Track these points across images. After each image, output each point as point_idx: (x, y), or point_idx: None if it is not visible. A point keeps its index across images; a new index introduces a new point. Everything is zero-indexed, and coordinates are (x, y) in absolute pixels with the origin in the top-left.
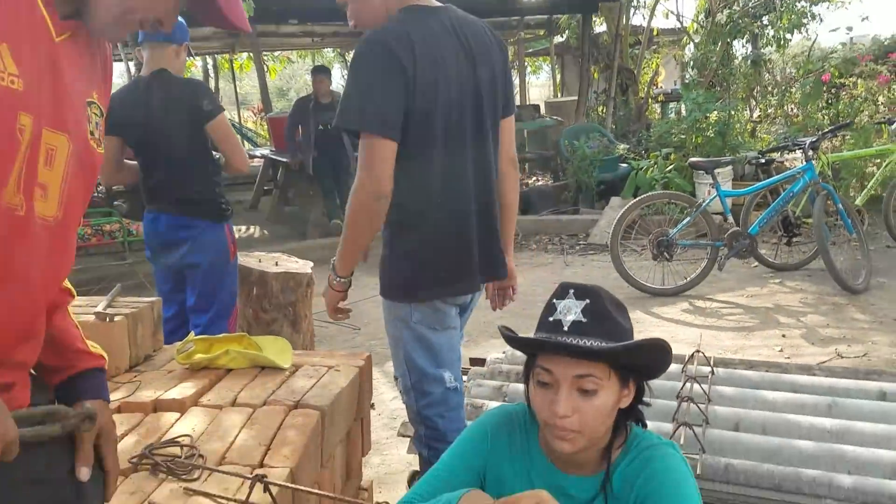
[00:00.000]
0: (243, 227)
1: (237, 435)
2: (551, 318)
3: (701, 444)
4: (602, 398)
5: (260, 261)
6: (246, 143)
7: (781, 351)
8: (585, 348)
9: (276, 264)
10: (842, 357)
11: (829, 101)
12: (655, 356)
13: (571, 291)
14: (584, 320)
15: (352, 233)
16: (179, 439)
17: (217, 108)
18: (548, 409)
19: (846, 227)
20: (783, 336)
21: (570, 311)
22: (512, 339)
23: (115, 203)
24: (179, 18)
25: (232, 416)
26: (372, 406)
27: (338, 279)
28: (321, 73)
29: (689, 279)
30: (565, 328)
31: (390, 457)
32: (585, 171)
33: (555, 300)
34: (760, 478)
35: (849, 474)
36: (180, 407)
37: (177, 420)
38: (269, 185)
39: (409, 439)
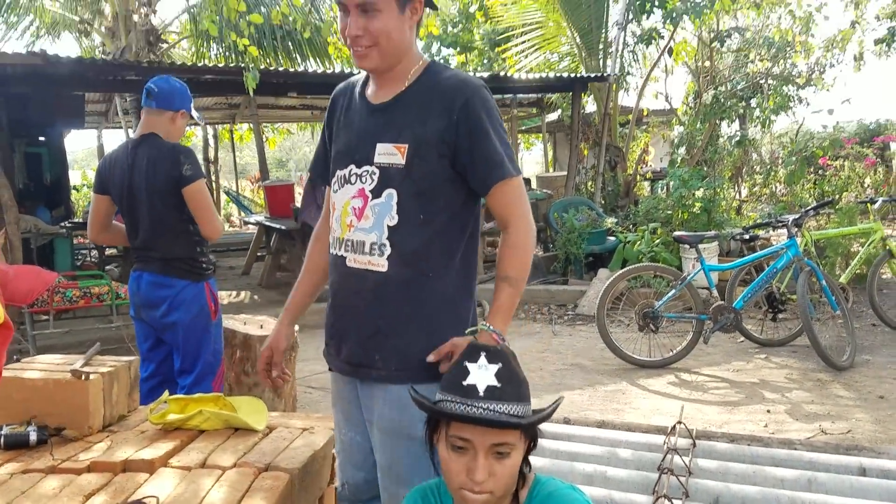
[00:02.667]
0: (234, 292)
1: (204, 497)
2: (465, 384)
3: None
4: (514, 459)
5: (245, 323)
6: (242, 210)
7: (766, 426)
8: (509, 422)
9: (261, 327)
10: (826, 433)
11: (815, 182)
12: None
13: (483, 355)
14: (498, 385)
15: (526, 279)
16: (146, 500)
17: (196, 175)
18: (464, 476)
19: (830, 304)
20: (768, 411)
21: (485, 375)
22: (429, 408)
23: (108, 267)
24: (181, 84)
25: (201, 478)
26: None
27: (501, 342)
28: None
29: (674, 352)
30: (481, 393)
31: None
32: (574, 243)
33: (466, 363)
34: None
35: None
36: (150, 468)
37: (145, 481)
38: (262, 252)
39: None
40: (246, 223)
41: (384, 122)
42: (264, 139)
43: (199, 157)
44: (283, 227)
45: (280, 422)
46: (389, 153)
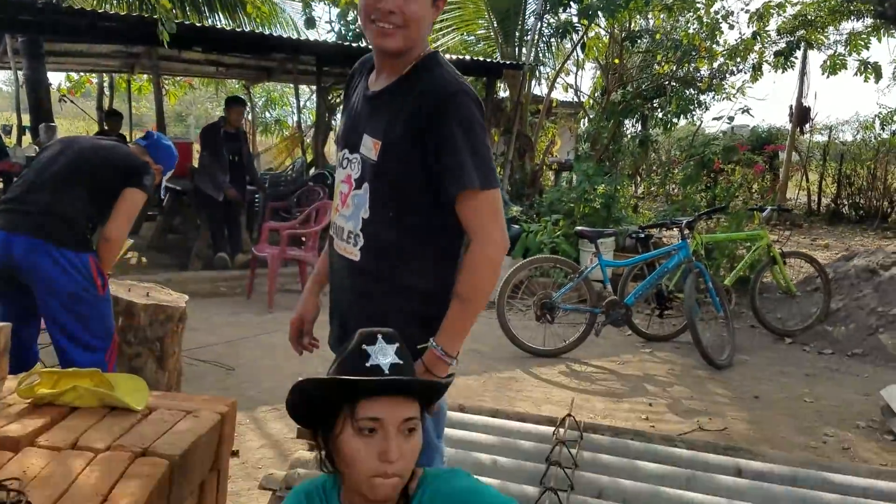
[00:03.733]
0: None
1: (73, 482)
2: (369, 365)
3: None
4: (418, 437)
5: (130, 290)
6: None
7: (647, 419)
8: (427, 382)
9: (147, 295)
10: (703, 429)
11: (708, 185)
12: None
13: (380, 337)
14: (400, 362)
15: (483, 298)
16: (7, 482)
17: (147, 189)
18: (375, 460)
19: (714, 305)
20: (650, 405)
21: (386, 355)
22: (339, 384)
23: None
24: (171, 146)
25: (70, 460)
26: (235, 454)
27: (452, 361)
28: (240, 104)
29: (568, 342)
30: (386, 371)
31: None
32: None
33: (365, 346)
34: None
35: None
36: (14, 446)
37: (9, 460)
38: (153, 211)
39: (270, 492)
40: None
41: (371, 111)
42: (164, 92)
43: (93, 105)
44: (177, 188)
45: (162, 402)
46: (367, 147)
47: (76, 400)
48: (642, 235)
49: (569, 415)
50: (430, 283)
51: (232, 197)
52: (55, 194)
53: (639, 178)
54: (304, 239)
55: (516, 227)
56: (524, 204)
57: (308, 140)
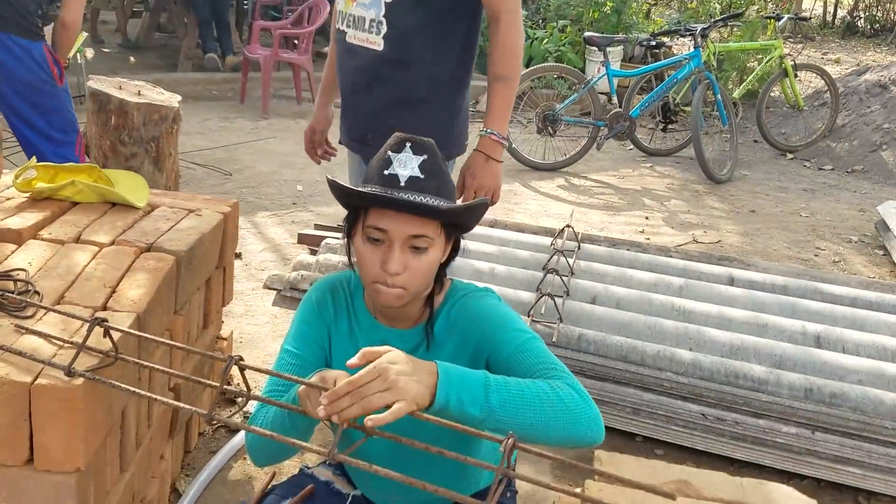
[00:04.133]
0: (106, 49)
1: (79, 274)
2: (387, 172)
3: (559, 314)
4: (431, 255)
5: (120, 87)
6: None
7: (643, 232)
8: (429, 206)
9: (139, 94)
10: (697, 242)
11: None
12: (479, 215)
13: (409, 145)
14: (421, 176)
15: (518, 77)
16: (13, 273)
17: None
18: (378, 267)
19: (721, 117)
20: (646, 218)
21: (407, 165)
22: (346, 191)
23: None
24: None
25: (75, 254)
26: (238, 255)
27: (506, 143)
28: None
29: (568, 156)
30: (402, 183)
31: (255, 308)
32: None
33: (390, 153)
34: (609, 348)
35: (689, 351)
36: (16, 238)
37: (12, 252)
38: (138, 6)
39: (274, 292)
40: None
41: None
42: None
43: None
44: None
45: (163, 200)
46: None
47: (76, 195)
48: (653, 44)
49: (568, 225)
50: (445, 74)
51: None
52: None
53: None
54: (296, 41)
55: None
56: (529, 8)
57: None
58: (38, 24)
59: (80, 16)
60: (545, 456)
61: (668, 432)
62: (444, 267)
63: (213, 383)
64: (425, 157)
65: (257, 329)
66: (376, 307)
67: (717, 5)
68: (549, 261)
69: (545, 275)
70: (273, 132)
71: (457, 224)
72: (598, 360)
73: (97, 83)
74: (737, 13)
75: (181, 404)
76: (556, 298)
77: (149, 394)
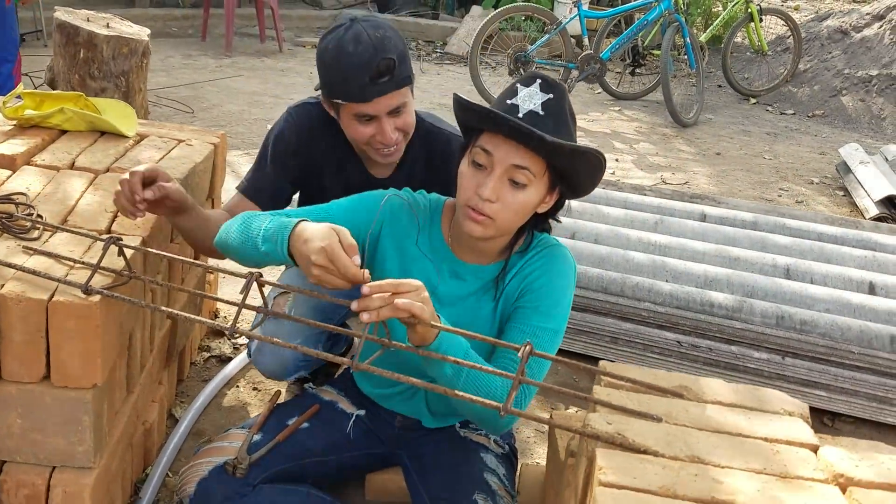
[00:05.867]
0: None
1: (79, 199)
2: (509, 102)
3: None
4: (528, 194)
5: (88, 20)
6: None
7: (613, 174)
8: (535, 134)
9: (108, 26)
10: (665, 183)
11: None
12: (592, 171)
13: (539, 82)
14: (541, 113)
15: None
16: (14, 196)
17: None
18: (473, 190)
19: (689, 61)
20: (616, 160)
21: (531, 100)
22: (465, 106)
23: None
24: None
25: (71, 180)
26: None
27: None
28: None
29: None
30: (520, 115)
31: None
32: None
33: (519, 85)
34: (590, 280)
35: (667, 282)
36: (10, 164)
37: (8, 178)
38: None
39: None
40: None
41: None
42: None
43: None
44: None
45: (152, 130)
46: None
47: (64, 123)
48: None
49: None
50: None
51: None
52: None
53: None
54: None
55: None
56: None
57: None
58: None
59: None
60: (554, 359)
61: (645, 359)
62: (535, 221)
63: (234, 301)
64: (551, 96)
65: None
66: (454, 234)
67: None
68: None
69: None
70: (238, 70)
71: (563, 172)
72: (580, 292)
73: (64, 14)
74: None
75: (205, 319)
76: None
77: (171, 310)
